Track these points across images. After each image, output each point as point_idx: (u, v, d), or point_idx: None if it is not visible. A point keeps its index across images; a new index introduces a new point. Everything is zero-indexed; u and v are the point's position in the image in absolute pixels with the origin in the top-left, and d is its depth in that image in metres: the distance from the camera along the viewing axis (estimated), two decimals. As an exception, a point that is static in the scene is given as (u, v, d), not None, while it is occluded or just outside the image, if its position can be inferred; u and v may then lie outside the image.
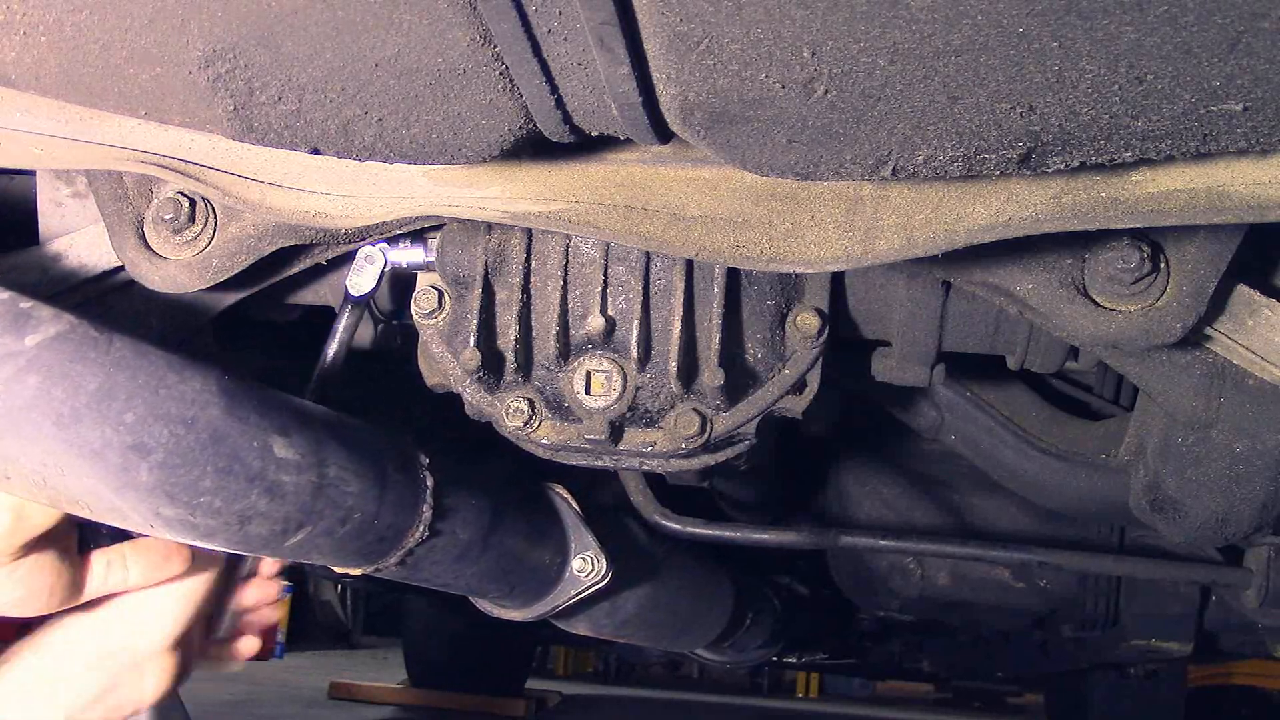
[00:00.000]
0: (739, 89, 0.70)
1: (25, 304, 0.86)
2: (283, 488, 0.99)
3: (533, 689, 5.25)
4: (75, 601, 1.01)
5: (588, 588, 1.44)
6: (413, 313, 1.21)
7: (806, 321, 1.16)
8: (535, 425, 1.18)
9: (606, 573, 1.44)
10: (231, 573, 1.22)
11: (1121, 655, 2.44)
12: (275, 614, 1.30)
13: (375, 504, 1.10)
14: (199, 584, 1.13)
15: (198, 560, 1.11)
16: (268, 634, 1.33)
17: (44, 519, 0.93)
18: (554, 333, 1.14)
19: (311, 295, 1.33)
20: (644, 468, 1.25)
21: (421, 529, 1.14)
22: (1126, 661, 3.14)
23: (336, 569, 1.19)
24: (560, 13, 0.69)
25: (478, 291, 1.15)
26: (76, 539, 1.00)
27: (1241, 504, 1.29)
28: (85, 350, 0.87)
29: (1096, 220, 0.84)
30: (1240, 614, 1.97)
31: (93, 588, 1.03)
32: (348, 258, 1.19)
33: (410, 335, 1.29)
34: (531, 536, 1.39)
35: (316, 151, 0.88)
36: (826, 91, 0.69)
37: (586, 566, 1.44)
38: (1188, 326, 0.98)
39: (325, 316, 1.28)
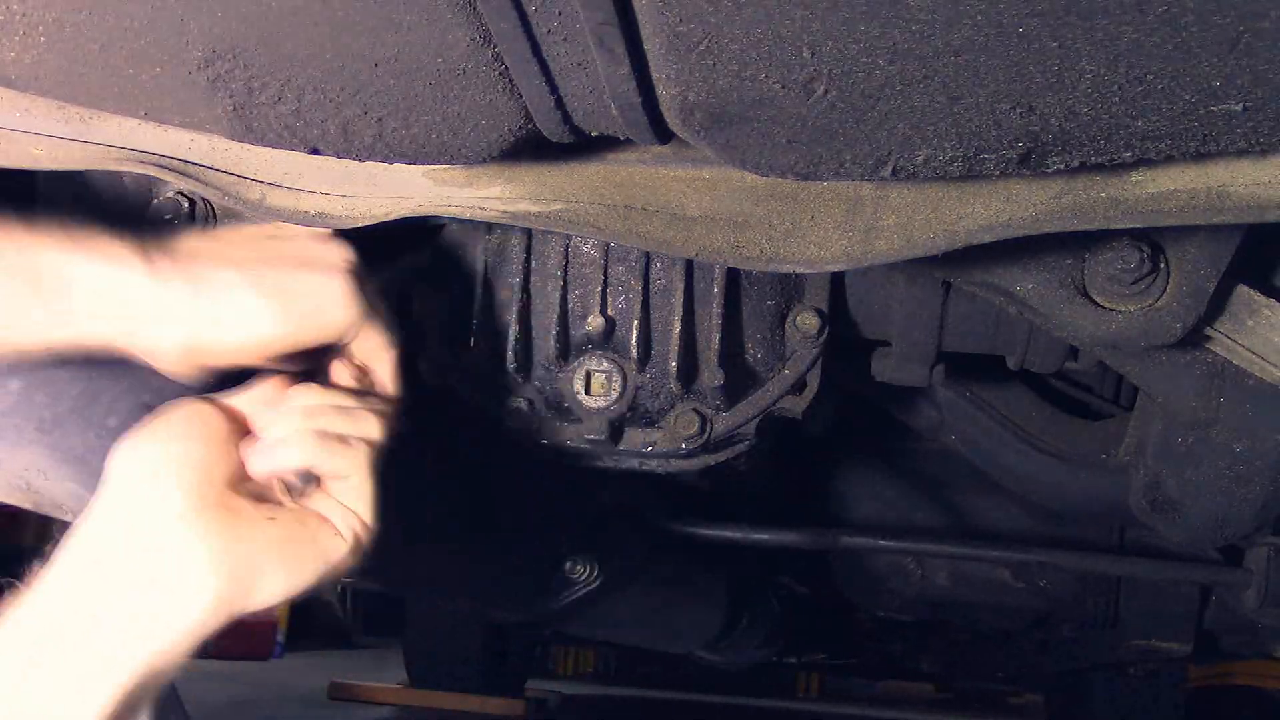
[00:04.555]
0: (739, 89, 0.70)
1: None
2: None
3: (533, 689, 5.24)
4: None
5: (580, 589, 1.44)
6: (413, 312, 1.21)
7: (806, 321, 1.16)
8: (535, 425, 1.18)
9: (598, 575, 1.44)
10: None
11: (1121, 655, 2.43)
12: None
13: None
14: None
15: None
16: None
17: (316, 332, 0.86)
18: (554, 333, 1.14)
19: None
20: (644, 468, 1.25)
21: None
22: (1126, 661, 3.14)
23: None
24: (560, 13, 0.69)
25: (478, 291, 1.15)
26: None
27: (1241, 504, 1.29)
28: (68, 354, 0.86)
29: (1096, 220, 0.84)
30: (1240, 614, 1.97)
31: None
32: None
33: (408, 336, 1.29)
34: (522, 538, 1.39)
35: (316, 151, 0.88)
36: (826, 91, 0.69)
37: (578, 568, 1.44)
38: (1188, 327, 0.98)
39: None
